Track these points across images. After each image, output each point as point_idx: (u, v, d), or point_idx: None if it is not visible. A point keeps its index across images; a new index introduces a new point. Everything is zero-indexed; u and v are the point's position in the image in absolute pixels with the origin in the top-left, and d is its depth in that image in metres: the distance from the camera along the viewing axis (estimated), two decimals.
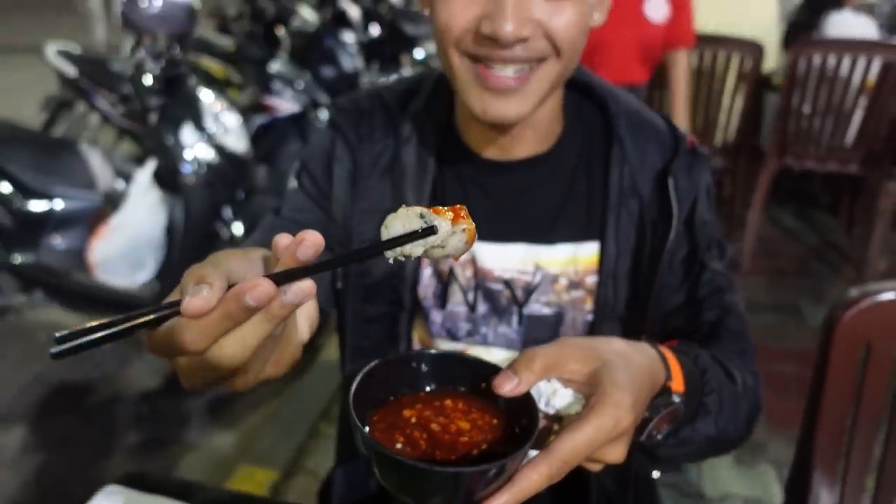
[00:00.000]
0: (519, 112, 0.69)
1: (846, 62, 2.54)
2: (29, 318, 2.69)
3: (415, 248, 0.48)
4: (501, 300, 0.80)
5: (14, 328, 2.63)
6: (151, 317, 0.42)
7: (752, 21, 2.86)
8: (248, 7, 3.04)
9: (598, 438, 0.50)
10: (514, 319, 0.80)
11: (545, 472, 0.48)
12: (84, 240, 2.35)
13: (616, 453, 0.52)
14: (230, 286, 0.41)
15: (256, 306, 0.39)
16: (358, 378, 0.51)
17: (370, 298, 0.82)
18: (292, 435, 2.11)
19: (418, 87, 0.83)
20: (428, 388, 0.55)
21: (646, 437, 0.60)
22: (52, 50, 3.11)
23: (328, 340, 2.38)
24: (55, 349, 0.40)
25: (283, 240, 0.43)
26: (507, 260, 0.79)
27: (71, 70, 3.04)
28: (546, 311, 0.80)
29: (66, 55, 3.09)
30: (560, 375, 0.54)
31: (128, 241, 2.30)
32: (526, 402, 0.51)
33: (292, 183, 0.87)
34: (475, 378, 0.54)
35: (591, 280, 0.79)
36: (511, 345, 0.82)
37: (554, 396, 0.54)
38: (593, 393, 0.52)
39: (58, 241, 2.36)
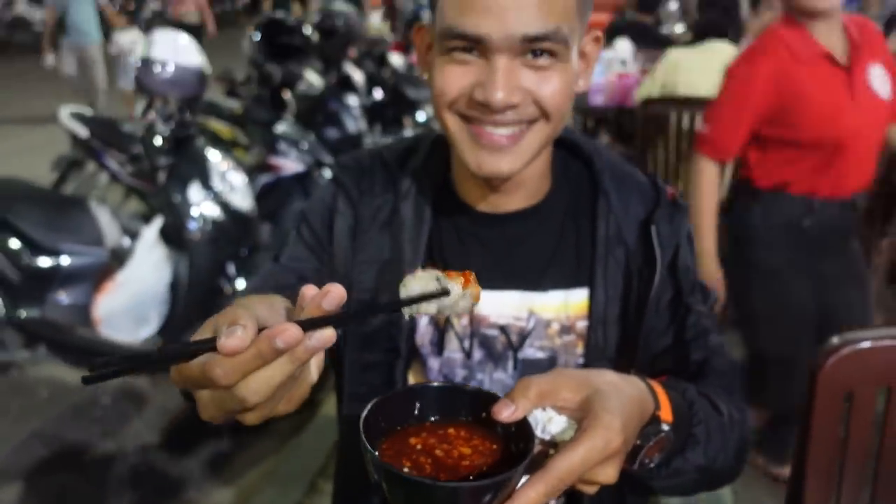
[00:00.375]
0: (511, 167, 0.74)
1: None
2: (30, 374, 2.70)
3: (429, 307, 0.54)
4: (497, 345, 0.83)
5: (15, 384, 2.64)
6: (188, 351, 0.46)
7: None
8: (256, 72, 3.16)
9: (591, 458, 0.53)
10: (510, 364, 0.84)
11: (542, 490, 0.52)
12: (90, 295, 2.38)
13: (608, 473, 0.56)
14: (259, 329, 0.45)
15: (285, 348, 0.44)
16: (368, 409, 0.55)
17: (368, 347, 0.85)
18: (290, 492, 2.09)
19: (416, 147, 0.89)
20: (433, 419, 0.59)
21: (638, 465, 0.63)
22: (65, 112, 3.22)
23: (326, 397, 2.38)
24: (87, 375, 0.42)
25: (309, 290, 0.48)
26: (502, 306, 0.83)
27: (83, 131, 3.14)
28: (540, 354, 0.83)
29: (79, 117, 3.21)
30: (554, 403, 0.58)
31: (132, 296, 2.33)
32: (523, 427, 0.55)
33: (292, 233, 0.91)
34: (476, 407, 0.59)
35: (582, 325, 0.82)
36: (506, 390, 0.84)
37: (549, 423, 0.58)
38: (585, 417, 0.56)
39: (64, 296, 2.39)
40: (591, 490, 0.57)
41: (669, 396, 0.66)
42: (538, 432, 0.57)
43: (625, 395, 0.59)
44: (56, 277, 2.39)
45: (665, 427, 0.63)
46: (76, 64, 6.06)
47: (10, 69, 11.08)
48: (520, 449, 0.54)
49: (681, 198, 0.86)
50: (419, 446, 0.56)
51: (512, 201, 0.82)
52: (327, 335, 0.45)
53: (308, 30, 3.30)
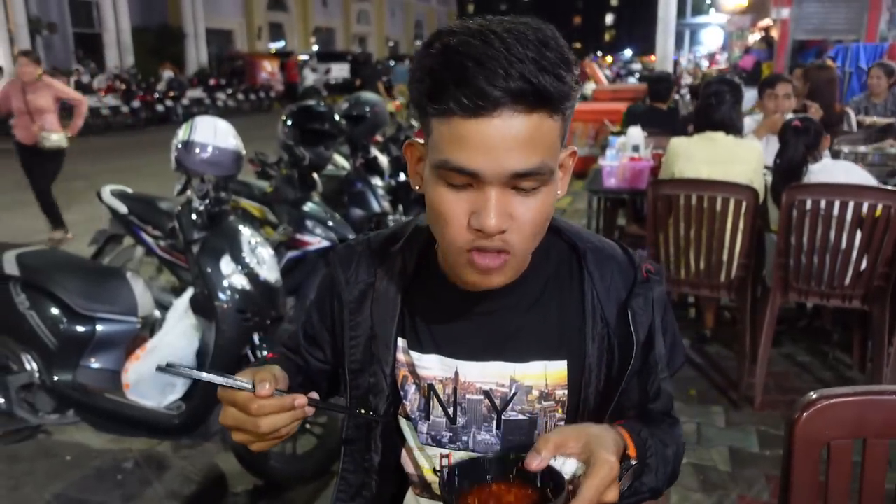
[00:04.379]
0: (502, 283, 0.82)
1: (837, 204, 2.72)
2: (57, 437, 2.78)
3: None
4: (482, 408, 0.91)
5: (42, 447, 2.73)
6: (235, 384, 0.79)
7: (741, 170, 3.10)
8: (287, 154, 3.36)
9: (604, 483, 0.70)
10: (494, 425, 0.91)
11: None
12: (120, 361, 2.49)
13: (612, 494, 0.72)
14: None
15: (298, 407, 0.79)
16: (446, 475, 0.78)
17: (359, 405, 0.95)
18: None
19: (400, 232, 0.97)
20: (488, 478, 0.78)
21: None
22: (107, 191, 3.45)
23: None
24: (162, 365, 0.79)
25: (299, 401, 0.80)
26: (485, 375, 0.90)
27: (122, 207, 3.35)
28: (521, 417, 0.90)
29: (119, 194, 3.43)
30: (564, 452, 0.74)
31: (161, 363, 2.43)
32: (551, 472, 0.73)
33: (312, 301, 1.04)
34: (508, 468, 0.78)
35: (561, 392, 0.90)
36: (490, 448, 0.92)
37: (563, 466, 0.74)
38: (589, 457, 0.73)
39: (96, 361, 2.51)
40: None
41: (632, 437, 0.81)
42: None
43: (609, 438, 0.76)
44: (90, 344, 2.51)
45: (633, 461, 0.79)
46: None
47: None
48: (552, 490, 0.72)
49: (654, 271, 0.92)
50: (477, 501, 0.77)
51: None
52: (310, 410, 0.81)
53: (337, 117, 3.52)
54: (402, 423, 0.96)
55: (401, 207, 4.44)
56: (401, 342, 0.93)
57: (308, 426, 2.50)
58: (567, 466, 0.73)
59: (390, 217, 4.02)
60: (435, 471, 0.95)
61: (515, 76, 0.68)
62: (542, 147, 0.73)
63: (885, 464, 0.97)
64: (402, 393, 0.94)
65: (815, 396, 0.97)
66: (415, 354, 0.92)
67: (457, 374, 0.91)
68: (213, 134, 2.38)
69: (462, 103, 0.70)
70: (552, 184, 0.77)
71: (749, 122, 4.13)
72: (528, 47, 0.69)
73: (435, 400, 0.92)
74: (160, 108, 15.95)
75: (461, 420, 0.91)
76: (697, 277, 3.10)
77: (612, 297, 0.90)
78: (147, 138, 13.40)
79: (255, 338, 2.46)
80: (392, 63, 17.50)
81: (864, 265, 2.81)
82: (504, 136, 0.71)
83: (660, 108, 5.24)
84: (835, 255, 2.80)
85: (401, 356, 0.93)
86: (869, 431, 0.96)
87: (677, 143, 3.38)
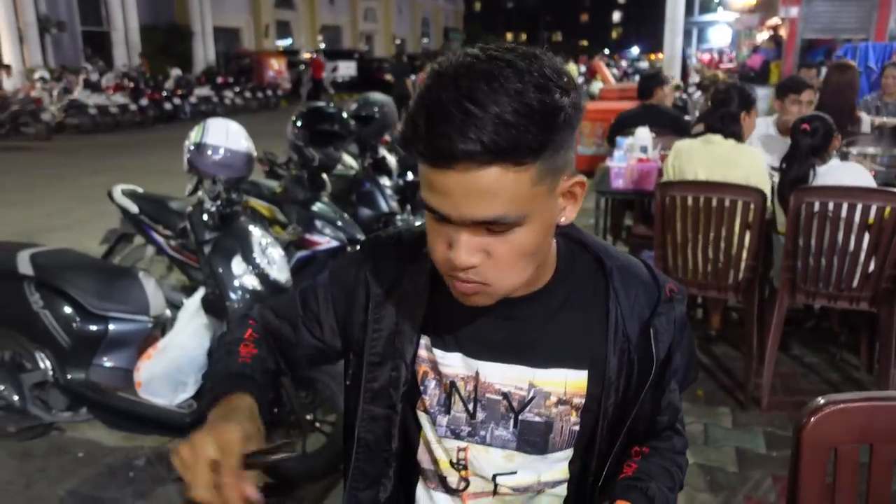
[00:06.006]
0: (492, 302, 0.84)
1: (845, 206, 2.72)
2: (69, 435, 2.82)
3: None
4: (500, 408, 0.93)
5: (55, 444, 2.76)
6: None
7: (739, 175, 3.10)
8: (297, 155, 3.39)
9: None
10: (511, 423, 0.93)
11: None
12: (133, 360, 2.52)
13: None
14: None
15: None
16: None
17: (375, 401, 0.97)
18: None
19: None
20: None
21: None
22: (118, 190, 3.48)
23: None
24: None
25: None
26: (505, 378, 0.92)
27: (133, 207, 3.38)
28: (537, 419, 0.93)
29: (131, 194, 3.46)
30: None
31: (172, 362, 2.46)
32: None
33: (320, 287, 1.02)
34: None
35: (578, 400, 0.92)
36: (507, 444, 0.95)
37: None
38: None
39: (108, 360, 2.54)
40: None
41: None
42: None
43: None
44: (103, 342, 2.54)
45: None
46: None
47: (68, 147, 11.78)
48: None
49: (676, 290, 0.95)
50: None
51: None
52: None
53: (346, 117, 3.54)
54: (421, 416, 0.98)
55: (409, 207, 4.46)
56: (423, 339, 0.95)
57: (318, 425, 2.52)
58: None
59: (398, 217, 4.04)
60: (451, 463, 0.97)
61: (470, 136, 0.69)
62: (502, 198, 0.73)
63: (891, 468, 0.99)
64: (421, 388, 0.96)
65: (822, 402, 0.98)
66: (438, 352, 0.94)
67: (477, 373, 0.93)
68: (226, 136, 2.41)
69: (422, 153, 0.73)
70: (527, 224, 0.77)
71: (761, 124, 4.12)
72: (496, 100, 0.69)
73: (456, 396, 0.94)
74: (168, 106, 15.99)
75: (480, 416, 0.94)
76: (705, 278, 3.11)
77: (636, 314, 0.92)
78: (155, 136, 13.47)
79: None
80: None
81: (871, 267, 2.81)
82: (461, 188, 0.72)
83: (653, 107, 5.26)
84: (842, 257, 2.81)
85: (423, 353, 0.96)
86: (876, 436, 0.97)
87: (680, 144, 3.40)
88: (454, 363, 0.94)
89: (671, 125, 4.80)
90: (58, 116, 13.75)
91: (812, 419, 0.96)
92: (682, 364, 0.96)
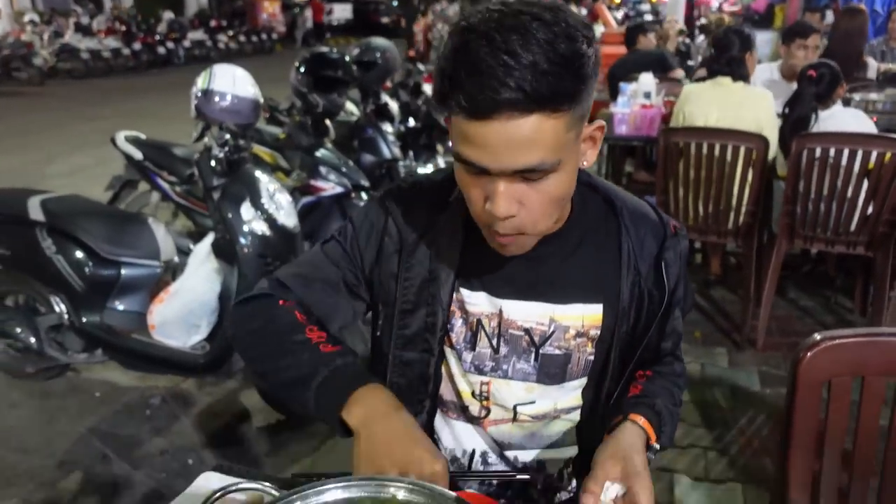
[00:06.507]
0: (525, 249, 0.90)
1: (846, 152, 2.75)
2: (85, 375, 2.91)
3: None
4: (522, 343, 0.99)
5: (73, 385, 2.85)
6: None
7: (750, 116, 3.12)
8: (300, 101, 3.38)
9: (647, 492, 0.80)
10: (532, 357, 1.00)
11: None
12: (146, 303, 2.59)
13: (652, 497, 0.82)
14: None
15: None
16: None
17: (408, 346, 1.02)
18: None
19: (453, 181, 0.99)
20: None
21: None
22: (121, 136, 3.47)
23: None
24: None
25: None
26: (527, 314, 0.98)
27: (137, 153, 3.38)
28: (557, 352, 0.99)
29: (134, 140, 3.46)
30: (608, 479, 0.82)
31: (185, 305, 2.52)
32: None
33: (337, 239, 1.04)
34: None
35: (595, 332, 0.99)
36: (527, 377, 1.01)
37: (608, 490, 0.82)
38: (628, 478, 0.82)
39: (122, 303, 2.60)
40: None
41: (651, 422, 0.92)
42: (605, 498, 0.82)
43: (636, 453, 0.86)
44: (115, 286, 2.60)
45: (656, 446, 0.91)
46: None
47: (61, 91, 11.63)
48: None
49: (679, 227, 1.02)
50: None
51: None
52: None
53: (349, 63, 3.52)
54: (447, 351, 1.04)
55: (411, 153, 4.46)
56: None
57: None
58: (612, 491, 0.82)
59: (401, 163, 4.05)
60: (473, 394, 1.04)
61: (511, 85, 0.72)
62: (541, 146, 0.76)
63: (881, 400, 1.05)
64: (448, 325, 1.02)
65: (818, 338, 1.04)
66: (465, 292, 1.00)
67: (501, 311, 0.99)
68: (233, 82, 2.41)
69: (462, 106, 0.75)
70: (560, 169, 0.81)
71: (765, 69, 4.10)
72: (531, 49, 0.72)
73: (482, 333, 1.00)
74: (162, 50, 15.72)
75: (504, 350, 1.00)
76: (705, 224, 3.15)
77: (646, 250, 0.99)
78: (150, 81, 13.29)
79: None
80: None
81: (869, 211, 2.86)
82: (502, 138, 0.75)
83: (637, 52, 5.31)
84: (841, 202, 2.85)
85: (453, 294, 1.01)
86: (868, 370, 1.04)
87: (689, 88, 3.40)
88: (480, 302, 0.99)
89: (655, 64, 4.91)
90: (50, 61, 13.53)
91: (808, 353, 1.02)
92: (682, 293, 1.03)
